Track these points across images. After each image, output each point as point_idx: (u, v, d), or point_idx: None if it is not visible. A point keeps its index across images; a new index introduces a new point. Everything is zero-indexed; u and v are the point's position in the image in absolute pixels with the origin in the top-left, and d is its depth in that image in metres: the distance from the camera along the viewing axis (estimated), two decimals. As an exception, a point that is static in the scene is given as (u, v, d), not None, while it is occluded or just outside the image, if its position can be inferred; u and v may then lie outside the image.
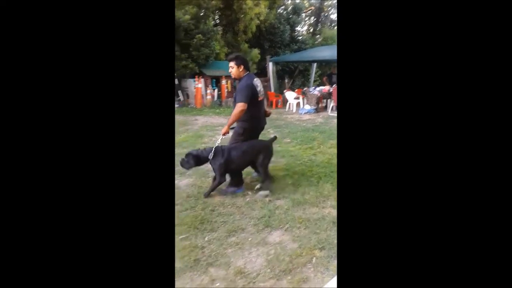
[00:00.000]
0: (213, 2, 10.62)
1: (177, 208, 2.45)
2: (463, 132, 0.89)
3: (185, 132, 5.67)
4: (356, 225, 0.93)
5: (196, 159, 2.66)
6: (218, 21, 11.56)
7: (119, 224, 0.91)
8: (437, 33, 0.90)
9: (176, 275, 1.63)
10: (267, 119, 3.03)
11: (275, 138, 2.87)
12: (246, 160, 2.70)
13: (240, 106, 2.60)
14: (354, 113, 0.97)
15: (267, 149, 2.71)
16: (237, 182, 2.75)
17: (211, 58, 10.29)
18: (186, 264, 1.72)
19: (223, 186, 2.79)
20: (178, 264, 1.71)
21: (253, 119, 2.74)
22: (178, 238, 1.99)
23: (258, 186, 2.66)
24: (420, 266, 0.88)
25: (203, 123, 6.85)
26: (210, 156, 2.63)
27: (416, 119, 0.91)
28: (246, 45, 11.68)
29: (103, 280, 0.89)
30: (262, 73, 12.19)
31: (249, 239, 2.00)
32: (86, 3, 0.92)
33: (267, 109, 3.04)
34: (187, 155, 2.69)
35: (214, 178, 2.71)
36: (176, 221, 2.22)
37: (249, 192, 2.71)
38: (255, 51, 11.76)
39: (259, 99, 2.75)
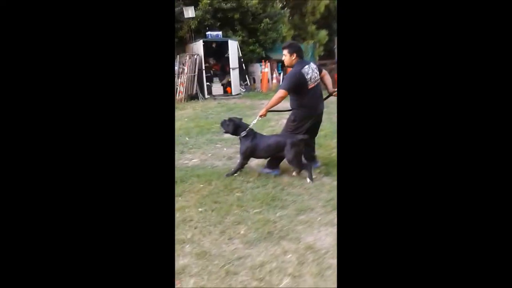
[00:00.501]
0: (281, -17, 10.47)
1: (249, 185, 2.65)
2: (463, 130, 0.86)
3: (253, 115, 5.90)
4: (356, 225, 0.92)
5: (235, 128, 2.88)
6: (285, 3, 11.40)
7: (119, 221, 0.92)
8: (437, 31, 0.88)
9: (251, 244, 1.82)
10: (332, 101, 3.00)
11: (306, 137, 2.78)
12: (268, 153, 2.82)
13: (279, 93, 2.75)
14: (354, 111, 0.95)
15: (294, 146, 2.67)
16: (273, 164, 2.88)
17: (278, 42, 10.29)
18: (260, 235, 1.89)
19: (261, 166, 2.96)
20: (253, 235, 1.90)
21: (304, 107, 2.76)
22: (252, 211, 2.19)
23: (308, 181, 2.68)
24: (420, 266, 0.86)
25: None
26: (242, 134, 2.82)
27: (416, 118, 0.89)
28: (314, 26, 11.33)
29: (103, 279, 0.90)
30: (329, 55, 11.75)
31: (318, 219, 2.08)
32: (86, 2, 0.92)
33: (332, 89, 2.99)
34: (230, 120, 2.93)
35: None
36: (249, 196, 2.42)
37: (315, 176, 2.77)
38: (323, 33, 11.35)
39: (310, 87, 2.73)
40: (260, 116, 2.88)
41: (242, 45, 9.66)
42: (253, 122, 2.91)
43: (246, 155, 2.85)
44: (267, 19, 9.71)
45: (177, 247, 1.81)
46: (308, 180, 2.67)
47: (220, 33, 9.02)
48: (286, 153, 2.70)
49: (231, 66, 9.12)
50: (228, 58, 9.13)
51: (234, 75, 9.25)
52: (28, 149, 0.88)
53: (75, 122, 0.91)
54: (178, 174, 2.97)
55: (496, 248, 0.82)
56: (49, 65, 0.90)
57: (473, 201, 0.85)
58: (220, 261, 1.68)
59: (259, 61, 10.14)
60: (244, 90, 9.67)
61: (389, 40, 0.92)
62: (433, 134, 0.88)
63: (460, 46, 0.87)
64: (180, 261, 1.69)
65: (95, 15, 0.92)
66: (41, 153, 0.89)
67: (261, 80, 9.86)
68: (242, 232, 1.95)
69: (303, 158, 2.80)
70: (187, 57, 8.39)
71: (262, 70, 9.80)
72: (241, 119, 2.96)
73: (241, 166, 2.88)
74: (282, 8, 10.53)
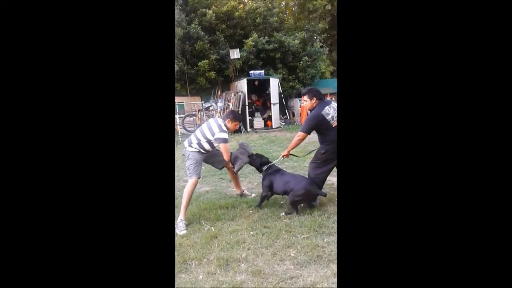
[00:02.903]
0: (320, 25, 11.10)
1: (295, 213, 2.80)
2: (464, 133, 0.86)
3: (294, 148, 6.13)
4: (356, 226, 0.92)
5: (261, 163, 3.08)
6: (323, 41, 11.94)
7: (120, 224, 0.93)
8: (437, 33, 0.88)
9: (301, 266, 1.95)
10: None
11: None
12: (284, 190, 2.88)
13: (298, 136, 2.95)
14: (354, 114, 0.95)
15: (304, 191, 2.76)
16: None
17: (317, 78, 10.68)
18: (310, 258, 2.02)
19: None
20: (303, 257, 2.03)
21: (331, 143, 2.87)
22: (300, 237, 2.33)
23: (282, 213, 2.79)
24: (420, 266, 0.86)
25: (309, 139, 7.13)
26: (264, 168, 3.01)
27: (417, 120, 0.90)
28: (352, 62, 11.60)
29: (104, 279, 0.91)
30: (368, 89, 11.77)
31: (365, 246, 2.15)
32: (86, 3, 0.93)
33: None
34: (257, 155, 3.13)
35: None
36: (297, 223, 2.57)
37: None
38: (362, 67, 11.53)
39: (334, 125, 2.86)
40: (283, 156, 3.12)
41: (283, 82, 10.19)
42: (275, 161, 3.15)
43: (267, 188, 2.98)
44: (306, 57, 10.22)
45: (233, 265, 2.00)
46: (283, 213, 2.79)
47: (262, 71, 9.67)
48: (289, 196, 2.81)
49: (272, 102, 9.60)
50: (269, 94, 9.66)
51: (275, 110, 9.69)
52: (29, 157, 0.88)
53: (76, 123, 0.92)
54: (228, 200, 3.23)
55: (495, 247, 0.82)
56: (46, 65, 0.90)
57: (470, 206, 0.86)
58: (274, 279, 1.83)
59: (298, 96, 10.54)
60: (283, 124, 10.02)
61: (390, 44, 0.92)
62: (434, 140, 0.89)
63: (460, 46, 0.87)
64: (237, 277, 1.88)
65: (94, 17, 0.94)
66: (43, 155, 0.89)
67: (300, 114, 10.17)
68: (292, 254, 2.09)
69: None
70: (232, 94, 9.06)
71: (301, 104, 10.11)
72: (261, 156, 3.15)
73: (263, 199, 2.99)
74: (321, 46, 11.03)
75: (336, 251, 2.08)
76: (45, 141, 0.90)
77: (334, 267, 1.91)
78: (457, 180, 0.87)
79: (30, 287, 0.87)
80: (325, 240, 2.25)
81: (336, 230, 2.41)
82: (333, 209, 2.85)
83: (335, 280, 1.78)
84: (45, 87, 0.91)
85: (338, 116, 1.12)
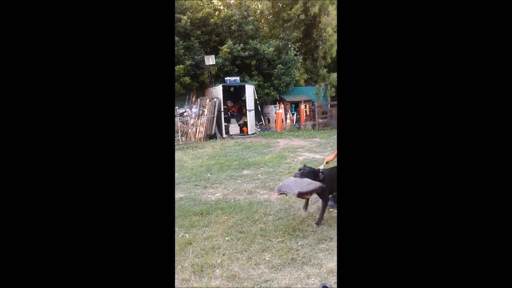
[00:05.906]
0: (294, 34, 11.39)
1: (270, 218, 2.83)
2: (464, 135, 0.87)
3: (269, 153, 6.18)
4: (356, 226, 0.94)
5: (313, 174, 2.84)
6: (297, 49, 12.24)
7: (120, 227, 0.94)
8: (437, 35, 0.89)
9: (276, 269, 1.97)
10: None
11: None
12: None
13: None
14: (354, 115, 0.96)
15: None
16: None
17: (291, 85, 10.92)
18: (284, 261, 2.05)
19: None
20: (277, 261, 2.06)
21: None
22: (275, 240, 2.36)
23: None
24: (420, 266, 0.88)
25: (284, 145, 7.31)
26: (321, 177, 2.81)
27: (417, 121, 0.91)
28: (325, 70, 11.99)
29: (104, 280, 0.91)
30: (340, 96, 12.18)
31: (337, 248, 2.22)
32: (86, 4, 0.93)
33: None
34: (311, 170, 2.89)
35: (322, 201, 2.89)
36: (271, 227, 2.60)
37: (331, 209, 2.94)
38: (334, 75, 11.96)
39: None
40: (327, 162, 3.02)
41: (258, 89, 10.30)
42: (321, 168, 2.97)
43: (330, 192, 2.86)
44: (281, 65, 10.43)
45: (208, 270, 1.99)
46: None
47: (237, 78, 9.73)
48: None
49: (247, 108, 9.66)
50: (245, 100, 9.73)
51: (250, 116, 9.75)
52: (28, 160, 0.89)
53: (75, 125, 0.92)
54: (203, 207, 3.20)
55: (495, 247, 0.83)
56: (46, 66, 0.90)
57: (469, 205, 0.86)
58: (249, 283, 1.84)
59: (274, 103, 10.69)
60: (259, 130, 10.11)
61: (390, 45, 0.92)
62: (433, 143, 0.90)
63: (461, 46, 0.88)
64: (212, 283, 1.86)
65: (94, 18, 0.94)
66: (42, 157, 0.90)
67: (275, 120, 10.31)
68: (267, 258, 2.11)
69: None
70: (208, 100, 9.01)
71: (276, 111, 10.30)
72: (314, 169, 2.93)
73: (326, 206, 2.80)
74: (296, 55, 11.30)
75: (310, 254, 2.14)
76: (43, 142, 0.90)
77: (307, 269, 1.95)
78: (457, 180, 0.88)
79: (30, 287, 0.87)
80: (299, 243, 2.30)
81: (309, 233, 2.48)
82: (305, 213, 2.91)
83: (309, 281, 1.82)
84: (41, 85, 0.90)
85: (338, 117, 1.15)
